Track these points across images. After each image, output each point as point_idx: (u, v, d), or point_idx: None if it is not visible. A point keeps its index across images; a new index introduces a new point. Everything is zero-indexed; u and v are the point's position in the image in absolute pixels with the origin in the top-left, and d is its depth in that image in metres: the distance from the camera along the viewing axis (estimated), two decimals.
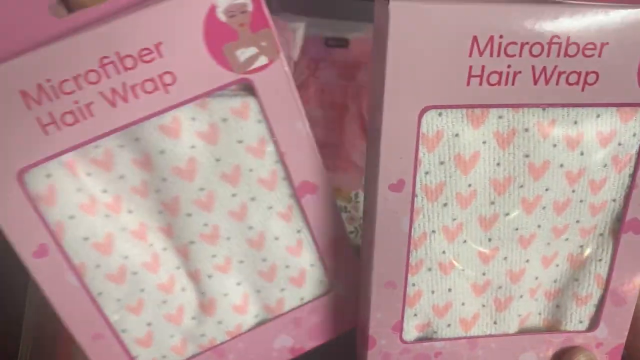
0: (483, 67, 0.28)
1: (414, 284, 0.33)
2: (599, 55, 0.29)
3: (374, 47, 0.29)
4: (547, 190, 0.32)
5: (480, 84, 0.28)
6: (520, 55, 0.28)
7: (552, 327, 0.36)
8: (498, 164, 0.31)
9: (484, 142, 0.30)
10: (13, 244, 0.29)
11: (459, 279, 0.34)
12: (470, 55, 0.28)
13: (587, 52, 0.28)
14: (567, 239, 0.33)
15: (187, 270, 0.34)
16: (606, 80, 0.29)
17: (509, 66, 0.28)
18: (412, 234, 0.31)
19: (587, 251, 0.34)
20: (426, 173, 0.31)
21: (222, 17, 0.28)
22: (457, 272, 0.33)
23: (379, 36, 0.28)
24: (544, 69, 0.29)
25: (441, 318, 0.34)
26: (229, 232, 0.33)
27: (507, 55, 0.28)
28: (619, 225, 0.33)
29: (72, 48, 0.27)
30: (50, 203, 0.30)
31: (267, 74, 0.30)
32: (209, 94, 0.30)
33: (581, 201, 0.32)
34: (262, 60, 0.30)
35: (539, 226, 0.33)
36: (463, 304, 0.34)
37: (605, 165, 0.31)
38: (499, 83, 0.29)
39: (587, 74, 0.29)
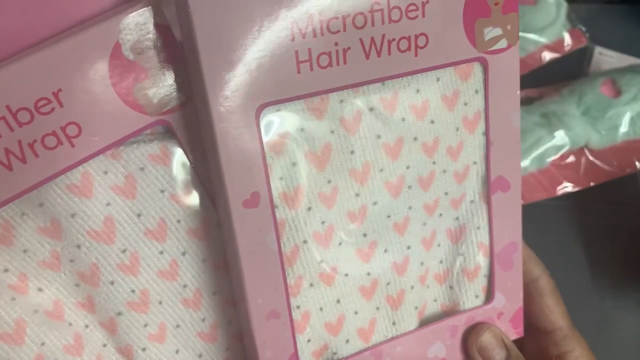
0: (309, 50, 0.26)
1: (298, 306, 0.30)
2: (423, 15, 0.27)
3: (185, 52, 0.26)
4: (408, 168, 0.30)
5: (311, 69, 0.26)
6: (344, 30, 0.26)
7: (451, 310, 0.34)
8: (352, 152, 0.29)
9: (332, 132, 0.28)
10: None
11: (345, 287, 0.31)
12: (293, 40, 0.25)
13: (411, 14, 0.27)
14: (440, 215, 0.32)
15: (116, 346, 0.28)
16: (436, 40, 0.28)
17: (336, 44, 0.26)
18: (282, 250, 0.28)
19: (464, 222, 0.32)
20: (280, 179, 0.27)
21: (130, 55, 0.25)
22: (340, 279, 0.30)
23: (187, 34, 0.25)
24: (372, 40, 0.27)
25: (337, 335, 0.31)
26: (160, 295, 0.28)
27: (330, 32, 0.26)
28: (486, 188, 0.32)
29: None
30: None
31: (185, 112, 0.26)
32: (121, 142, 0.26)
33: (444, 171, 0.31)
34: (178, 98, 0.26)
35: (410, 208, 0.31)
36: (356, 312, 0.31)
37: (457, 129, 0.30)
38: (330, 64, 0.26)
39: (416, 37, 0.28)
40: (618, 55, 0.55)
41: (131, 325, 0.28)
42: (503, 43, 0.30)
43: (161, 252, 0.28)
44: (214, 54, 0.24)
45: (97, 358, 0.28)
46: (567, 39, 0.60)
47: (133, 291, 0.28)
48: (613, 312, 0.37)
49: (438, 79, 0.29)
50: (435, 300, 0.33)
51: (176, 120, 0.27)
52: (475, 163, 0.31)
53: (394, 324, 0.32)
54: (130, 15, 0.25)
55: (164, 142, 0.27)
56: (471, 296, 0.33)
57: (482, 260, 0.33)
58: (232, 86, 0.25)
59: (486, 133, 0.31)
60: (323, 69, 0.26)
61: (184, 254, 0.28)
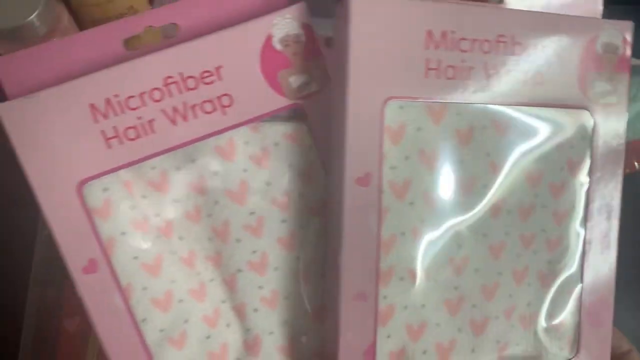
0: (439, 61, 0.30)
1: (385, 297, 0.31)
2: (534, 60, 0.31)
3: (335, 41, 0.31)
4: (510, 192, 0.32)
5: (438, 77, 0.30)
6: (472, 51, 0.30)
7: (533, 358, 0.33)
8: (461, 162, 0.31)
9: (445, 139, 0.31)
10: (64, 257, 0.28)
11: (432, 293, 0.32)
12: (426, 48, 0.30)
13: (530, 51, 0.31)
14: (535, 252, 0.33)
15: (232, 304, 0.31)
16: (550, 80, 0.31)
17: (462, 61, 0.30)
18: (381, 234, 0.30)
19: (556, 268, 0.33)
20: (392, 168, 0.30)
21: (278, 46, 0.31)
22: (430, 283, 0.31)
23: (341, 27, 0.30)
24: (495, 66, 0.31)
25: (416, 342, 0.31)
26: (277, 261, 0.31)
27: (460, 50, 0.30)
28: (583, 237, 0.33)
29: (140, 67, 0.29)
30: (105, 217, 0.29)
31: (318, 100, 0.31)
32: (262, 117, 0.31)
33: (544, 207, 0.33)
34: (314, 87, 0.31)
35: (506, 233, 0.32)
36: (438, 324, 0.32)
37: (562, 169, 0.33)
38: (455, 77, 0.30)
39: (536, 74, 0.31)
40: None
41: (248, 284, 0.31)
42: (612, 99, 0.33)
43: (283, 221, 0.31)
44: (361, 49, 0.29)
45: (215, 311, 0.31)
46: None
47: (254, 252, 0.31)
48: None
49: (548, 117, 0.32)
50: (517, 344, 0.33)
51: (309, 105, 0.31)
52: (574, 209, 0.33)
53: (473, 351, 0.32)
54: (282, 13, 0.31)
55: (297, 124, 0.31)
56: (555, 348, 0.33)
57: (570, 311, 0.33)
58: (369, 78, 0.29)
59: (589, 182, 0.33)
60: (449, 79, 0.30)
61: (301, 227, 0.31)
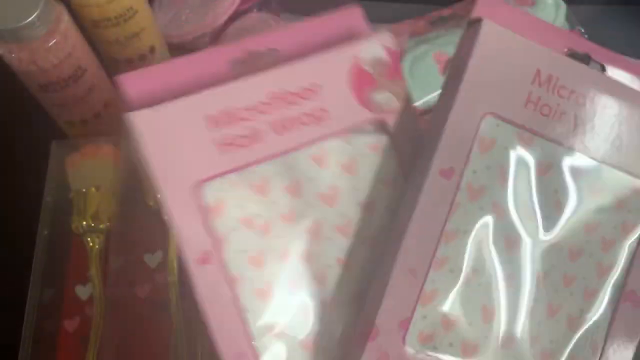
0: (539, 97, 0.33)
1: (433, 281, 0.33)
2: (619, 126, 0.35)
3: (456, 52, 0.35)
4: (568, 231, 0.35)
5: (534, 110, 0.33)
6: (568, 99, 0.34)
7: None
8: (532, 191, 0.34)
9: (525, 166, 0.34)
10: (181, 249, 0.32)
11: (474, 294, 0.34)
12: (532, 83, 0.34)
13: (618, 117, 0.35)
14: (571, 294, 0.36)
15: (322, 298, 0.34)
16: (628, 147, 0.35)
17: (557, 104, 0.33)
18: (446, 225, 0.33)
19: (586, 316, 0.36)
20: (473, 172, 0.33)
21: (365, 67, 0.35)
22: (475, 284, 0.34)
23: (466, 44, 0.34)
24: (583, 119, 0.34)
25: (447, 332, 0.34)
26: (363, 260, 0.35)
27: (558, 95, 0.33)
28: (618, 295, 0.36)
29: (249, 84, 0.33)
30: (218, 214, 0.32)
31: (399, 115, 0.36)
32: (350, 129, 0.34)
33: (591, 256, 0.35)
34: (395, 103, 0.36)
35: (553, 266, 0.35)
36: (470, 324, 0.34)
37: (615, 228, 0.36)
38: (547, 115, 0.34)
39: (616, 138, 0.35)
40: None
41: (337, 280, 0.34)
42: None
43: (367, 223, 0.35)
44: (478, 66, 0.33)
45: (307, 305, 0.34)
46: None
47: (343, 250, 0.34)
48: None
49: (618, 180, 0.35)
50: None
51: (391, 119, 0.36)
52: (618, 267, 0.36)
53: None
54: (369, 39, 0.35)
55: (380, 135, 0.35)
56: None
57: (590, 359, 0.36)
58: (477, 91, 0.33)
59: (637, 245, 0.36)
60: (542, 115, 0.34)
61: (382, 228, 0.35)
